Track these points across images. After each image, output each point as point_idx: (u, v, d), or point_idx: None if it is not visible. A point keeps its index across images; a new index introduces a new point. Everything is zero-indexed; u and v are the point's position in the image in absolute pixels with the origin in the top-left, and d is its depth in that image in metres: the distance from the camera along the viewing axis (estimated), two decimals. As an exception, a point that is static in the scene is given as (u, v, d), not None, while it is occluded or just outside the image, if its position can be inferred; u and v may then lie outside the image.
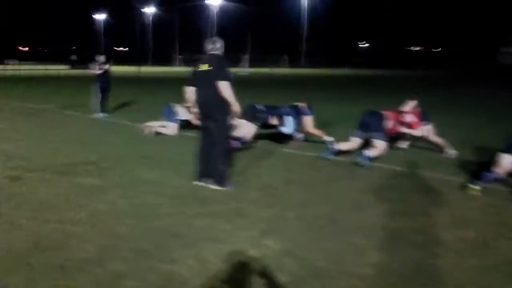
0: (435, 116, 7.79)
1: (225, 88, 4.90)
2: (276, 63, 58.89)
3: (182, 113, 8.67)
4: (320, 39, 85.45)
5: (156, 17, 74.64)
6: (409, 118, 6.94)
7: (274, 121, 7.26)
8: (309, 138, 8.04)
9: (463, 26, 75.67)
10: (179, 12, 75.95)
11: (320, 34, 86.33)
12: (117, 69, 61.31)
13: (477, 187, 5.02)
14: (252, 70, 49.41)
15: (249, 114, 7.17)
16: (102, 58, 11.46)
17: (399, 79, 38.84)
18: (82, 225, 3.95)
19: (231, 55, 65.20)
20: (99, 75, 11.42)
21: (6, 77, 34.46)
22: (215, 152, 5.09)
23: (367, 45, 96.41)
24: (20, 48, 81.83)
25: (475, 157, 7.02)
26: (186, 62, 60.87)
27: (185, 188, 5.12)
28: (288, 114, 7.24)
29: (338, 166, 6.37)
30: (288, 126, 7.20)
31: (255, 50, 67.67)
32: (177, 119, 8.67)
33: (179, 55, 63.64)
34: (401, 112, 6.96)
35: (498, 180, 5.21)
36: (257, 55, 62.98)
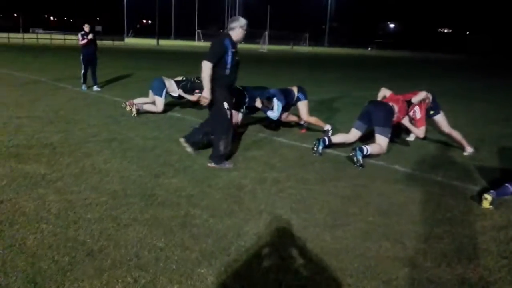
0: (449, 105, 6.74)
1: (203, 67, 4.75)
2: (297, 40, 56.94)
3: (172, 89, 7.85)
4: (345, 17, 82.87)
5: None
6: (415, 112, 5.96)
7: (259, 103, 6.34)
8: (310, 126, 7.17)
9: (494, 11, 71.70)
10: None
11: (345, 12, 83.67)
12: (136, 42, 61.41)
13: (489, 199, 4.06)
14: (271, 47, 48.22)
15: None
16: (86, 27, 10.60)
17: (426, 62, 37.07)
18: (-14, 229, 3.19)
19: (251, 31, 64.02)
20: (83, 46, 10.62)
21: (22, 46, 34.15)
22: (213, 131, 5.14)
23: (392, 25, 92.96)
24: (49, 17, 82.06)
25: (494, 159, 6.01)
26: (205, 37, 59.76)
27: (138, 183, 4.31)
28: (275, 97, 6.30)
29: (329, 161, 5.46)
30: (275, 111, 6.28)
31: (276, 27, 65.96)
32: (164, 94, 7.87)
33: (199, 29, 62.24)
34: (409, 103, 5.95)
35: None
36: (277, 32, 61.31)
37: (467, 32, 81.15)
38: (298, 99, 6.70)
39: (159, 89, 7.82)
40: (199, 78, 6.44)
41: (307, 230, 3.44)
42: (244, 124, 7.17)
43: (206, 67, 4.74)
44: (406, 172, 5.16)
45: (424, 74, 24.15)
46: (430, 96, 6.31)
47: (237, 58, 4.98)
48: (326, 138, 5.78)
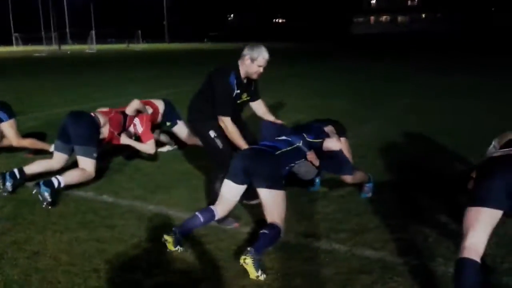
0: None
1: (224, 125, 3.76)
2: (131, 38, 53.85)
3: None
4: (185, 12, 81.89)
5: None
6: (135, 126, 4.97)
7: None
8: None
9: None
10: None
11: (185, 6, 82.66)
12: None
13: (249, 262, 2.85)
14: (102, 46, 44.65)
15: None
16: None
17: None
18: None
19: (74, 31, 58.80)
20: None
21: None
22: None
23: (231, 18, 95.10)
24: None
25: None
26: (25, 41, 53.16)
27: None
28: None
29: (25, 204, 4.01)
30: None
31: (103, 25, 61.71)
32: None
33: (16, 33, 54.89)
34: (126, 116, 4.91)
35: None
36: (106, 30, 57.38)
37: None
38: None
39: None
40: None
41: None
42: None
43: (228, 124, 3.68)
44: (114, 203, 4.01)
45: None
46: (161, 105, 5.34)
47: (243, 100, 3.87)
48: (15, 170, 4.31)
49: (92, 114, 4.58)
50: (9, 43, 54.95)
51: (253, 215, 3.69)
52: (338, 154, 3.63)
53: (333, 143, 3.63)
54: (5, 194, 4.20)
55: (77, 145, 4.29)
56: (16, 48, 49.87)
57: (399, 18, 73.53)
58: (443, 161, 5.30)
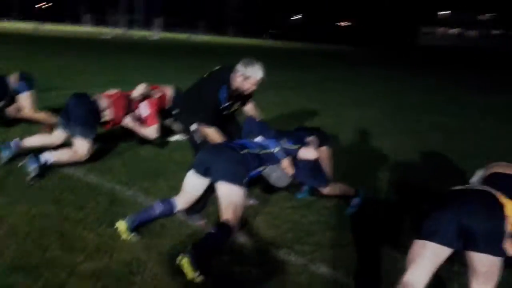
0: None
1: (207, 134, 3.76)
2: (193, 29, 55.06)
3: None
4: (250, 7, 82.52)
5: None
6: (140, 109, 4.96)
7: None
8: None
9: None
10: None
11: (250, 2, 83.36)
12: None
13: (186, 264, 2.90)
14: (166, 35, 45.84)
15: None
16: None
17: (308, 53, 37.43)
18: None
19: (141, 17, 60.63)
20: None
21: None
22: None
23: (295, 17, 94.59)
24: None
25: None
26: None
27: None
28: None
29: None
30: None
31: (169, 13, 63.31)
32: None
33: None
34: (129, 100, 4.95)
35: None
36: (172, 18, 58.82)
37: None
38: (17, 91, 5.34)
39: None
40: None
41: None
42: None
43: (209, 132, 3.70)
44: (97, 185, 4.05)
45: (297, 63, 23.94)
46: (169, 91, 5.35)
47: (234, 109, 3.94)
48: (16, 141, 4.46)
49: (94, 97, 4.65)
50: (79, 22, 57.87)
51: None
52: (313, 164, 3.45)
53: (308, 153, 3.45)
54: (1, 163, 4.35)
55: (75, 125, 4.37)
56: (84, 29, 52.39)
57: (468, 33, 69.72)
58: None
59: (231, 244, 3.08)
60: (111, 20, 53.59)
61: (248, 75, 3.62)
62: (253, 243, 3.19)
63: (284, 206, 3.93)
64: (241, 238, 3.24)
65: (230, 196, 2.97)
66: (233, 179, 2.98)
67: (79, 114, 4.38)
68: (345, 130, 7.13)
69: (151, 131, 4.95)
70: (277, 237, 3.33)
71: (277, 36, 69.69)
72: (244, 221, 3.47)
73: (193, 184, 3.19)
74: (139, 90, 5.01)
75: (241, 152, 3.13)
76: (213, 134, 3.70)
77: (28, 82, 5.43)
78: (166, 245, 3.04)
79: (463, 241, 2.12)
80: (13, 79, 5.35)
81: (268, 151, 3.33)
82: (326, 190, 3.73)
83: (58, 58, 15.51)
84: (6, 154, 4.36)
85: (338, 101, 10.58)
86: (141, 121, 5.01)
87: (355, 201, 3.92)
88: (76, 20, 61.98)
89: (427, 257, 2.14)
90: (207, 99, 3.71)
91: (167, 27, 53.11)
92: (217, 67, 3.96)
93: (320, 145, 3.69)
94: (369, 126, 7.51)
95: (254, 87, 3.71)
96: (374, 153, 5.96)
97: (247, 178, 3.10)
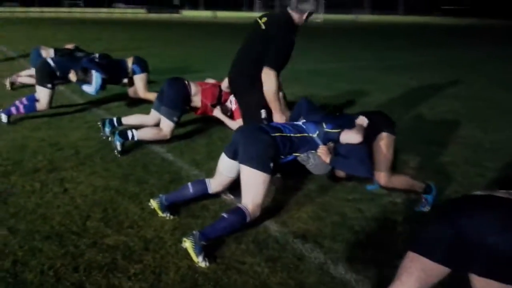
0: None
1: (266, 81, 3.54)
2: (358, 8, 52.98)
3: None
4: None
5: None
6: (231, 102, 5.12)
7: (73, 77, 5.60)
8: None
9: None
10: None
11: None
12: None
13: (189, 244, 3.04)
14: (327, 16, 45.14)
15: (40, 72, 5.62)
16: None
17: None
18: None
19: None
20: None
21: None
22: None
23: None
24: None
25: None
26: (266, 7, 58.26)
27: None
28: (92, 68, 5.54)
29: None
30: (93, 84, 5.53)
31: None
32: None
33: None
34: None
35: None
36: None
37: None
38: (133, 72, 5.92)
39: (37, 58, 6.74)
40: (105, 57, 5.76)
41: None
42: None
43: (272, 81, 3.47)
44: (170, 162, 4.27)
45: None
46: None
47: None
48: (115, 118, 4.99)
49: (186, 81, 4.87)
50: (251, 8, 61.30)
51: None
52: (358, 149, 2.98)
53: (350, 136, 3.00)
54: (104, 137, 4.91)
55: (163, 106, 4.67)
56: (253, 14, 55.23)
57: None
58: None
59: (256, 232, 2.93)
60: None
61: (306, 9, 3.52)
62: (281, 233, 2.97)
63: (342, 197, 3.56)
64: (271, 226, 3.05)
65: (251, 181, 2.84)
66: (256, 164, 2.82)
67: (170, 97, 4.68)
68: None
69: (238, 125, 4.96)
70: (312, 229, 3.04)
71: (450, 13, 62.66)
72: (287, 209, 3.26)
73: (225, 166, 3.11)
74: (227, 82, 5.02)
75: (272, 135, 2.91)
76: (273, 86, 3.48)
77: (140, 64, 5.98)
78: (196, 226, 3.02)
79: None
80: (129, 62, 5.96)
81: (305, 135, 3.02)
82: (384, 181, 3.25)
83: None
84: (109, 129, 4.90)
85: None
86: (230, 113, 5.10)
87: (426, 198, 3.31)
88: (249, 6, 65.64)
89: (414, 273, 1.78)
90: (280, 43, 3.49)
91: (328, 9, 52.49)
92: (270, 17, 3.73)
93: (378, 130, 3.21)
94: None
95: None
96: (487, 145, 4.92)
97: (275, 163, 2.87)
